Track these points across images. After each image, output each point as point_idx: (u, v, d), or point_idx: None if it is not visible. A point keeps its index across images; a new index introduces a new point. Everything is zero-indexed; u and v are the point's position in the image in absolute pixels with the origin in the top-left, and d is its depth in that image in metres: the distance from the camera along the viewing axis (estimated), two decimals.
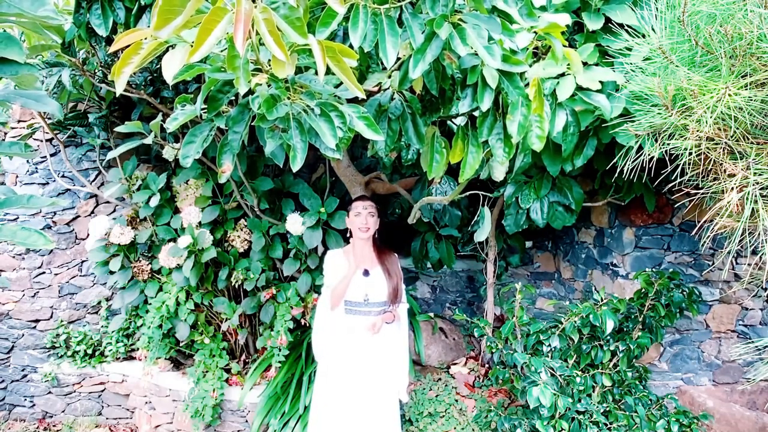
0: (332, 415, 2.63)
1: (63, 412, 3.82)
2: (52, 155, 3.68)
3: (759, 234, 1.81)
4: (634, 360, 2.86)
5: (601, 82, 1.92)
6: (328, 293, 2.68)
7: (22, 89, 1.31)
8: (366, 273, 2.67)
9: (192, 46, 1.07)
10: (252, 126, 1.69)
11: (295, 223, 3.17)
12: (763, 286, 2.98)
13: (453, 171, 2.16)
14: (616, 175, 2.25)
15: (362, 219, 2.66)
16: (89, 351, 3.72)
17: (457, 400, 3.19)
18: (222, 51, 1.36)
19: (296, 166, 1.49)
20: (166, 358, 3.56)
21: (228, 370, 3.46)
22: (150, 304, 3.36)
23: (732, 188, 1.76)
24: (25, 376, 3.82)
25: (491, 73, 1.55)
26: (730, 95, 1.65)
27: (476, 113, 1.75)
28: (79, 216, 3.75)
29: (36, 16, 1.18)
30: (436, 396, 3.23)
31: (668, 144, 1.89)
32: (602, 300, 2.75)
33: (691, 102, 1.73)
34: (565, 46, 1.63)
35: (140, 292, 3.46)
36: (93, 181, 3.74)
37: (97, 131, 3.48)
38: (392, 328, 2.71)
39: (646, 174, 2.29)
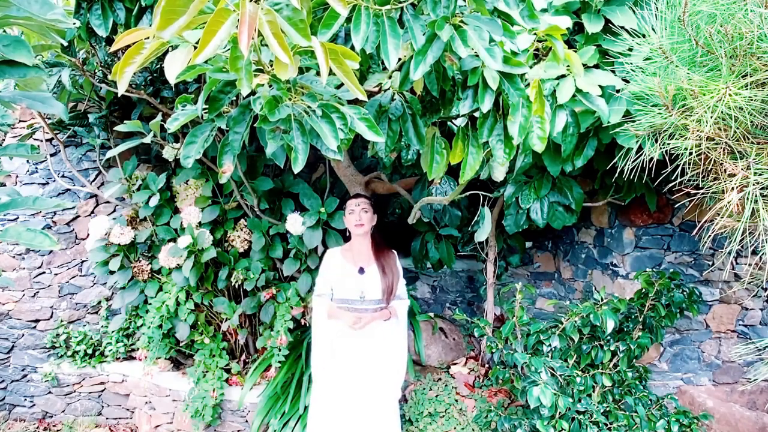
0: (331, 415, 2.64)
1: (63, 412, 3.82)
2: (52, 155, 3.68)
3: (759, 234, 1.81)
4: (634, 360, 2.86)
5: (600, 85, 1.92)
6: (321, 303, 2.72)
7: (27, 90, 1.30)
8: (361, 271, 2.70)
9: (195, 47, 1.07)
10: (252, 126, 1.69)
11: (295, 223, 3.17)
12: (763, 286, 2.98)
13: (453, 171, 2.16)
14: (617, 175, 2.25)
15: (356, 216, 2.71)
16: (89, 351, 3.72)
17: (457, 400, 3.20)
18: (224, 51, 1.36)
19: (298, 167, 1.50)
20: (166, 358, 3.56)
21: (228, 370, 3.46)
22: (150, 304, 3.36)
23: (732, 188, 1.77)
24: (25, 376, 3.82)
25: (492, 75, 1.55)
26: (730, 95, 1.65)
27: (476, 114, 1.75)
28: (79, 216, 3.74)
29: (45, 20, 1.17)
30: (436, 396, 3.23)
31: (668, 144, 1.89)
32: (602, 300, 2.75)
33: (692, 102, 1.73)
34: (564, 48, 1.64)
35: (140, 292, 3.46)
36: (93, 181, 3.74)
37: (97, 131, 3.48)
38: (390, 325, 2.72)
39: (647, 174, 2.30)
